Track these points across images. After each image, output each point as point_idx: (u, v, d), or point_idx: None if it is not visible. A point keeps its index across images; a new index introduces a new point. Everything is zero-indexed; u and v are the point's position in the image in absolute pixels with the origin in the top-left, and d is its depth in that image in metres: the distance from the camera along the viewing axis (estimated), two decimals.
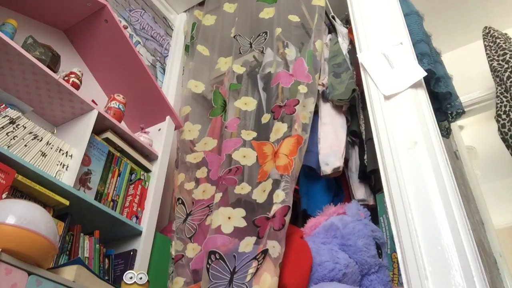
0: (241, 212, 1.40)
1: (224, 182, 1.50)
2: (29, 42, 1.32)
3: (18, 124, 1.16)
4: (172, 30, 2.43)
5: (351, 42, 1.85)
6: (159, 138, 1.65)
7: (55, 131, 1.42)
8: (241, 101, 1.77)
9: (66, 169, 1.23)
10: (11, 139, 1.12)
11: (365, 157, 1.54)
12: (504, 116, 2.03)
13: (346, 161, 1.59)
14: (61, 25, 1.65)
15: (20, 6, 1.48)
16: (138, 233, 1.39)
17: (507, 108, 2.02)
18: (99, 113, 1.39)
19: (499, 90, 2.10)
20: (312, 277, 1.21)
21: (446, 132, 1.82)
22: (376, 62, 1.46)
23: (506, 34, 2.27)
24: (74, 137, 1.35)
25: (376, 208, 1.49)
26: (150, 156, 1.59)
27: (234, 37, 2.00)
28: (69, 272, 0.96)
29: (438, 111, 1.69)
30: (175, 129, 1.75)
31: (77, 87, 1.39)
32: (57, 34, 1.65)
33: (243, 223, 1.37)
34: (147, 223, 1.42)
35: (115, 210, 1.37)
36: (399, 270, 1.28)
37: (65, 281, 0.91)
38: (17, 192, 1.08)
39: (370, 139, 1.48)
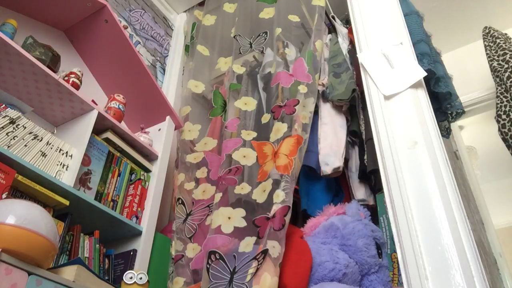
0: (241, 212, 1.40)
1: (224, 182, 1.50)
2: (29, 42, 1.32)
3: (18, 124, 1.16)
4: (172, 30, 2.43)
5: (351, 42, 1.85)
6: (159, 138, 1.65)
7: (55, 131, 1.42)
8: (241, 101, 1.78)
9: (66, 169, 1.23)
10: (11, 139, 1.12)
11: (365, 157, 1.54)
12: (504, 116, 2.03)
13: (346, 161, 1.59)
14: (61, 25, 1.65)
15: (20, 6, 1.48)
16: (138, 233, 1.39)
17: (507, 108, 2.02)
18: (99, 113, 1.39)
19: (499, 90, 2.10)
20: (312, 277, 1.21)
21: (446, 132, 1.82)
22: (376, 62, 1.46)
23: (506, 34, 2.27)
24: (74, 137, 1.35)
25: (376, 208, 1.49)
26: (150, 156, 1.59)
27: (234, 37, 2.00)
28: (69, 272, 0.96)
29: (438, 111, 1.69)
30: (175, 129, 1.75)
31: (77, 87, 1.39)
32: (57, 34, 1.65)
33: (243, 223, 1.37)
34: (147, 223, 1.42)
35: (115, 210, 1.37)
36: (399, 270, 1.28)
37: (65, 281, 0.91)
38: (17, 192, 1.08)
39: (370, 139, 1.48)
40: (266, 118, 1.64)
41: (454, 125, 2.74)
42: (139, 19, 2.16)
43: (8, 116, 1.15)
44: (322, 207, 1.47)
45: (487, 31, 2.29)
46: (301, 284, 1.18)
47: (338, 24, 1.95)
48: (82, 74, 1.44)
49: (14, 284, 0.79)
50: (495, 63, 2.14)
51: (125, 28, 1.89)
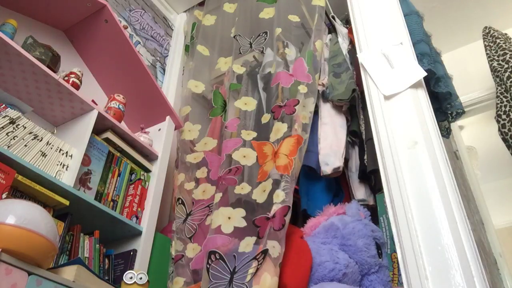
0: (241, 212, 1.40)
1: (224, 182, 1.50)
2: (29, 42, 1.32)
3: (18, 124, 1.16)
4: (172, 30, 2.43)
5: (351, 42, 1.85)
6: (159, 138, 1.65)
7: (55, 131, 1.42)
8: (241, 101, 1.78)
9: (66, 169, 1.23)
10: (11, 139, 1.12)
11: (365, 157, 1.54)
12: (504, 116, 2.03)
13: (346, 161, 1.59)
14: (61, 25, 1.65)
15: (20, 6, 1.48)
16: (138, 233, 1.39)
17: (507, 108, 2.02)
18: (99, 113, 1.39)
19: (499, 90, 2.10)
20: (312, 277, 1.21)
21: (446, 132, 1.82)
22: (376, 62, 1.46)
23: (506, 34, 2.27)
24: (74, 137, 1.35)
25: (376, 208, 1.49)
26: (150, 156, 1.59)
27: (234, 37, 2.00)
28: (69, 272, 0.96)
29: (438, 111, 1.69)
30: (175, 129, 1.75)
31: (77, 87, 1.39)
32: (57, 34, 1.65)
33: (243, 223, 1.37)
34: (147, 223, 1.42)
35: (115, 210, 1.37)
36: (399, 270, 1.28)
37: (65, 281, 0.91)
38: (17, 192, 1.08)
39: (370, 139, 1.48)
40: (266, 118, 1.64)
41: (454, 125, 2.74)
42: (139, 19, 2.16)
43: (8, 116, 1.15)
44: (322, 207, 1.47)
45: (487, 31, 2.29)
46: (301, 284, 1.18)
47: (338, 24, 1.95)
48: (82, 74, 1.44)
49: (14, 284, 0.79)
50: (495, 63, 2.14)
51: (125, 28, 1.89)
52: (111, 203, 1.38)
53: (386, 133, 1.30)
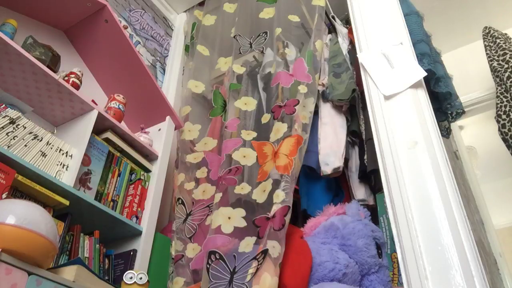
0: (241, 212, 1.40)
1: (224, 182, 1.50)
2: (29, 42, 1.32)
3: (18, 124, 1.16)
4: (172, 30, 2.43)
5: (351, 42, 1.85)
6: (159, 138, 1.65)
7: (55, 131, 1.42)
8: (241, 101, 1.77)
9: (66, 169, 1.23)
10: (11, 139, 1.12)
11: (365, 157, 1.54)
12: (504, 116, 2.03)
13: (346, 161, 1.59)
14: (61, 25, 1.65)
15: (20, 6, 1.48)
16: (138, 233, 1.39)
17: (507, 108, 2.02)
18: (99, 113, 1.39)
19: (499, 90, 2.10)
20: (312, 277, 1.21)
21: (446, 132, 1.82)
22: (376, 62, 1.46)
23: (506, 34, 2.27)
24: (74, 137, 1.35)
25: (376, 208, 1.49)
26: (150, 156, 1.59)
27: (234, 37, 2.00)
28: (69, 272, 0.96)
29: (438, 111, 1.69)
30: (175, 129, 1.75)
31: (77, 87, 1.39)
32: (57, 34, 1.65)
33: (243, 223, 1.37)
34: (147, 223, 1.42)
35: (115, 210, 1.37)
36: (399, 270, 1.28)
37: (65, 281, 0.91)
38: (17, 192, 1.08)
39: (370, 139, 1.48)
40: (266, 118, 1.64)
41: (454, 125, 2.74)
42: (139, 19, 2.16)
43: (8, 116, 1.15)
44: (322, 207, 1.47)
45: (487, 31, 2.29)
46: (301, 284, 1.18)
47: (338, 24, 1.95)
48: (82, 74, 1.44)
49: (14, 284, 0.79)
50: (495, 63, 2.14)
51: (125, 28, 1.89)
52: (111, 203, 1.38)
53: (386, 133, 1.30)
